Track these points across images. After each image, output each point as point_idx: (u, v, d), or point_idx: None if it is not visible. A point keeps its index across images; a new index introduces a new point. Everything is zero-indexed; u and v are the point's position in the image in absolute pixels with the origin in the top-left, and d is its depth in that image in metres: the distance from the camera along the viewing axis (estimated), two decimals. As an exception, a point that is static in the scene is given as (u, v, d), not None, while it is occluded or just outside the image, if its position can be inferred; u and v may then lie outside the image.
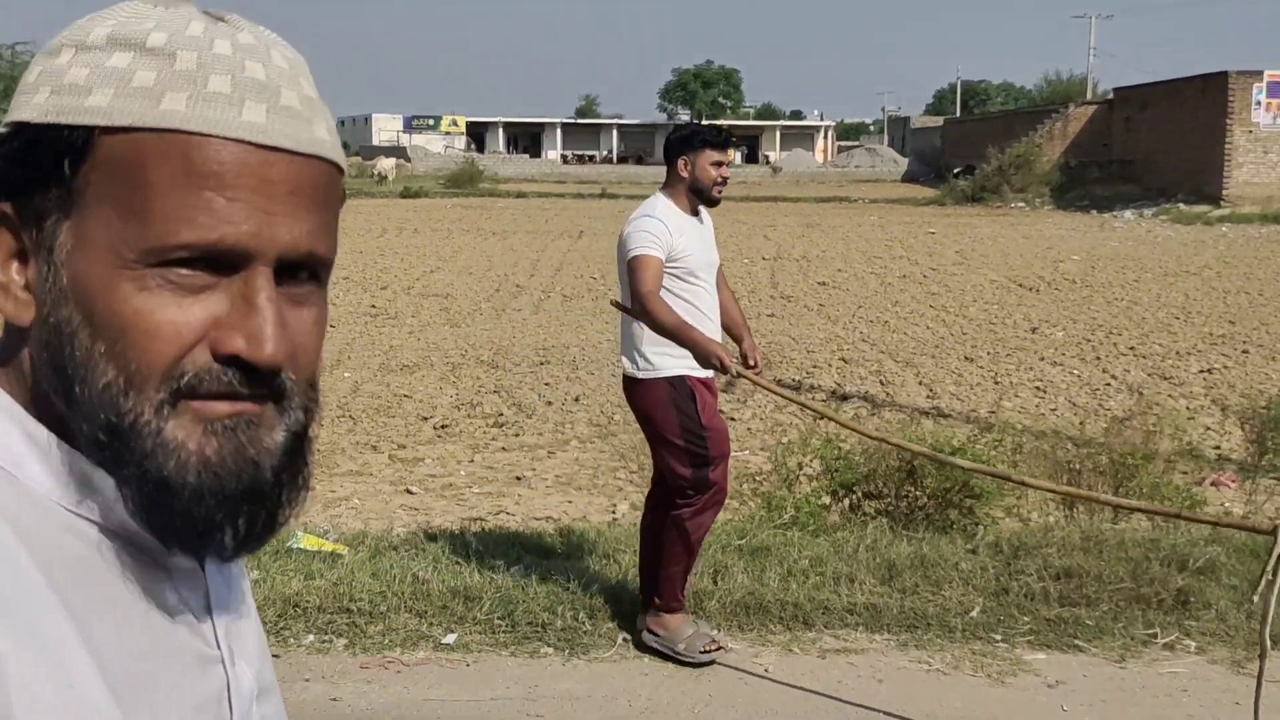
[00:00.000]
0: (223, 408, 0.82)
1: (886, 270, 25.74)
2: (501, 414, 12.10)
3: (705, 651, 4.89)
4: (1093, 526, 6.16)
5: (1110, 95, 54.69)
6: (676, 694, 4.61)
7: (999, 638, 5.17)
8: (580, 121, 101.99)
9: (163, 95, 0.80)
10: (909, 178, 70.55)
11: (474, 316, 18.79)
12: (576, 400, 12.70)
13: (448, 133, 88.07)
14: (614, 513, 7.90)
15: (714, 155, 5.06)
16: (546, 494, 9.08)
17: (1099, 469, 6.48)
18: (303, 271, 0.86)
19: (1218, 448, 9.96)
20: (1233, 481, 7.83)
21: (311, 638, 4.94)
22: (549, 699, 4.54)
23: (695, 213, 5.13)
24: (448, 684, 4.61)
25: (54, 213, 0.82)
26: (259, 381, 0.82)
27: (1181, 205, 41.40)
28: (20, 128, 0.82)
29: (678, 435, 4.94)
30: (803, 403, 6.85)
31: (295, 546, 5.83)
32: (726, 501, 7.21)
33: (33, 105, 0.82)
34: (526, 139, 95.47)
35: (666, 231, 4.92)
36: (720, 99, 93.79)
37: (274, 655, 4.69)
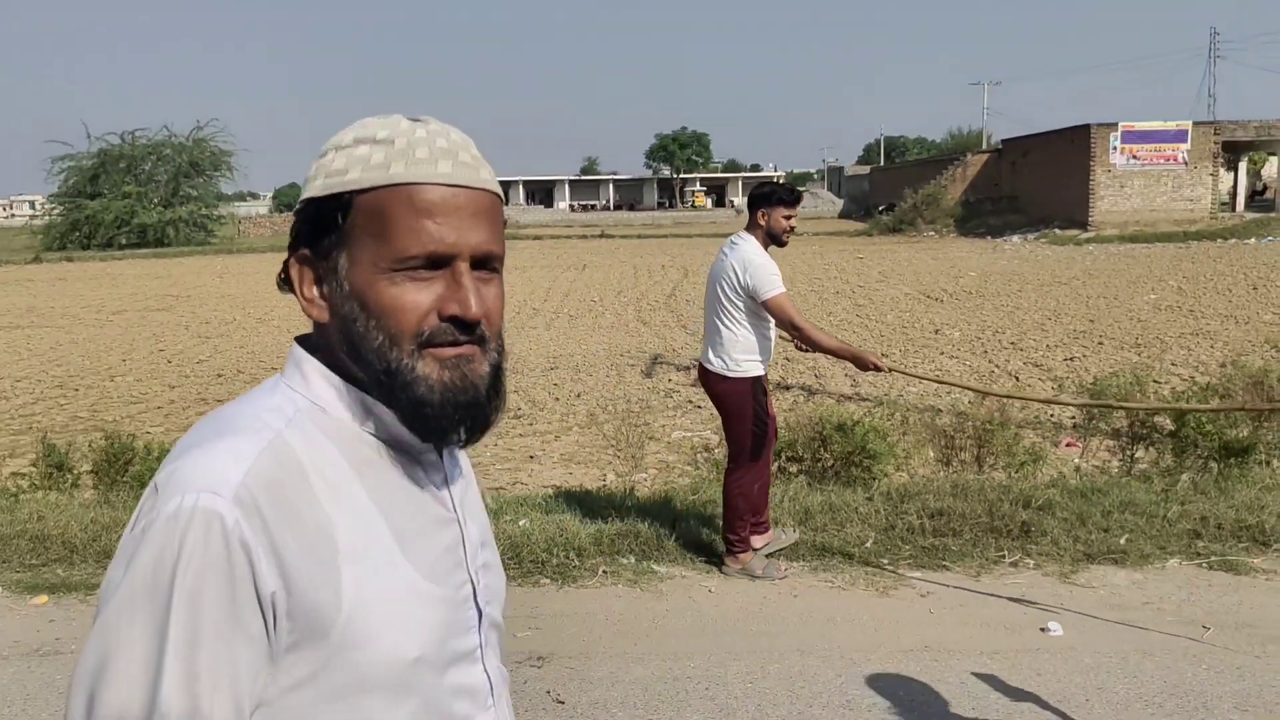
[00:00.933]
0: (449, 351, 1.07)
1: (824, 288, 25.90)
2: (519, 408, 12.30)
3: (780, 576, 5.19)
4: (961, 478, 6.36)
5: (1000, 145, 54.78)
6: (641, 609, 4.82)
7: (886, 562, 5.36)
8: (584, 178, 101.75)
9: (390, 165, 1.06)
10: (844, 215, 70.57)
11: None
12: (578, 397, 12.89)
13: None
14: (603, 480, 8.09)
15: (785, 210, 5.18)
16: (553, 468, 9.29)
17: (966, 434, 6.70)
18: (488, 264, 1.12)
19: (1073, 418, 10.19)
20: (1075, 443, 8.05)
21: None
22: (546, 616, 4.74)
23: (767, 248, 5.25)
24: (470, 608, 4.83)
25: (334, 248, 1.08)
26: (468, 331, 1.08)
27: (1057, 230, 41.54)
28: (309, 202, 1.09)
29: (751, 421, 5.18)
30: (953, 383, 7.12)
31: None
32: (684, 467, 7.47)
33: (314, 187, 1.08)
34: (542, 193, 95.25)
35: (776, 267, 5.13)
36: (693, 157, 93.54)
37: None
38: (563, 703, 3.87)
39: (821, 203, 79.13)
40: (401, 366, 1.06)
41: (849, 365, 15.09)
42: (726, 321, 5.17)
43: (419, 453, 1.13)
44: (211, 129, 56.17)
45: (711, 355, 5.25)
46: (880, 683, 4.01)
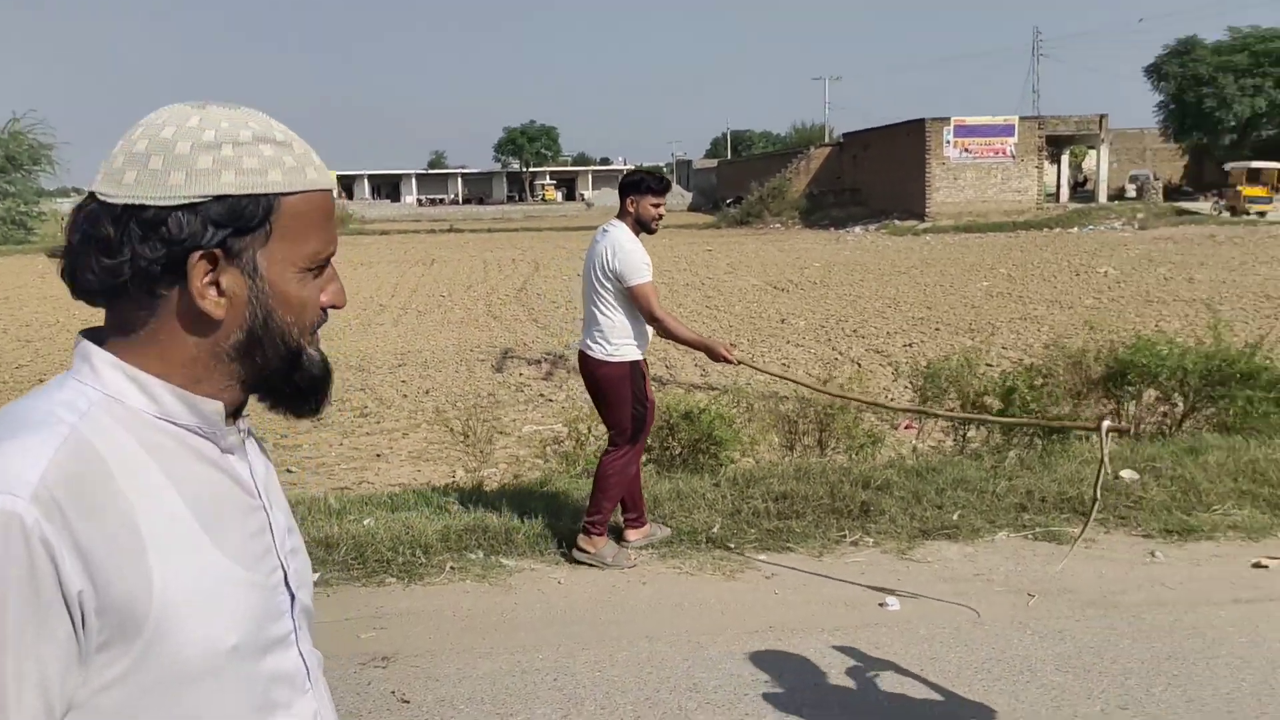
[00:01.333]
0: (317, 335, 1.17)
1: (673, 280, 26.17)
2: (366, 406, 12.04)
3: (630, 565, 5.24)
4: (804, 461, 6.53)
5: (841, 139, 56.46)
6: (490, 604, 4.78)
7: (733, 546, 5.43)
8: (432, 172, 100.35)
9: (304, 170, 1.10)
10: (693, 208, 71.54)
11: (344, 332, 18.49)
12: (427, 393, 12.71)
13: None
14: (452, 477, 8.01)
15: (654, 199, 5.27)
16: (400, 466, 9.13)
17: (809, 419, 6.89)
18: None
19: (910, 400, 10.59)
20: (912, 425, 8.37)
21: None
22: (392, 615, 4.65)
23: (638, 235, 5.33)
24: (312, 611, 4.69)
25: (252, 246, 1.08)
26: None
27: (896, 221, 43.07)
28: (222, 198, 1.05)
29: (630, 404, 5.23)
30: (793, 379, 7.07)
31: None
32: (534, 461, 7.44)
33: (223, 183, 1.04)
34: (388, 187, 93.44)
35: (647, 255, 5.22)
36: (543, 150, 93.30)
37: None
38: (408, 702, 3.81)
39: (670, 196, 80.00)
40: (307, 353, 1.14)
41: (698, 356, 15.36)
42: (602, 307, 5.23)
43: (220, 440, 1.12)
44: (29, 121, 52.96)
45: (590, 341, 5.31)
46: (726, 664, 4.08)
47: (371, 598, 4.86)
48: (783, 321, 18.33)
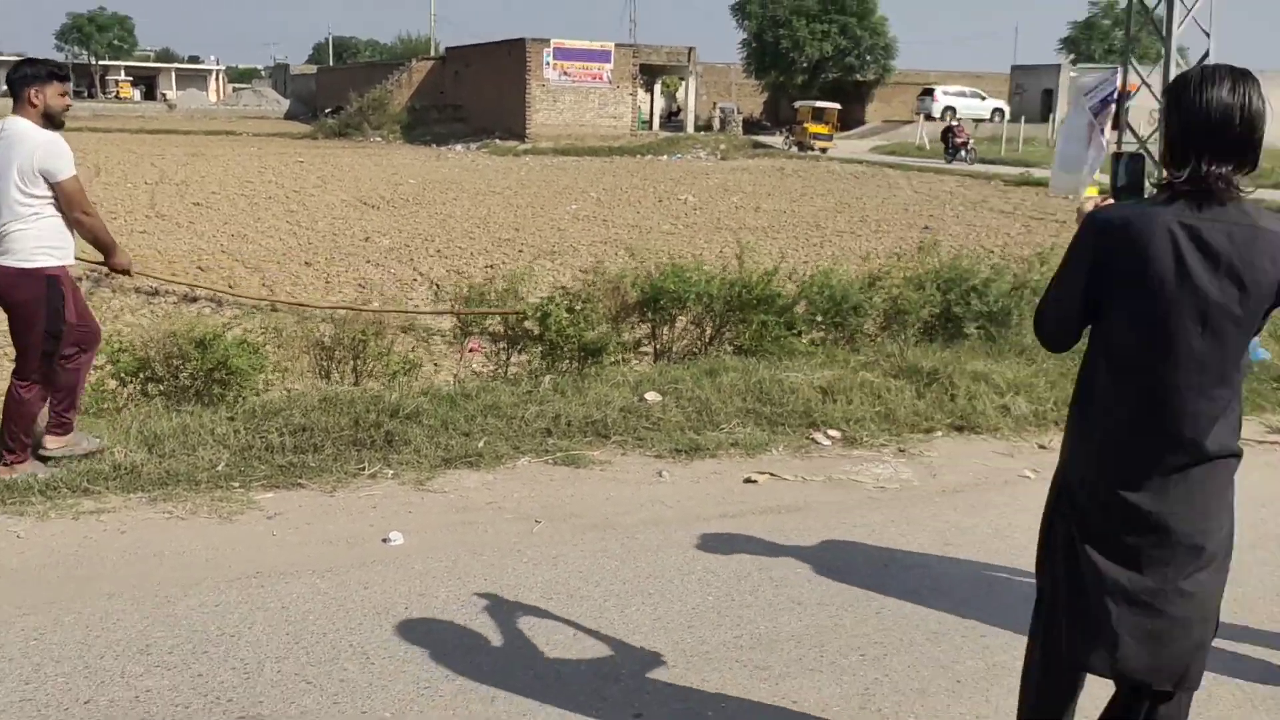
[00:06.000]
0: None
1: (256, 193, 24.62)
2: None
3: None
4: (333, 390, 6.19)
5: (445, 53, 55.39)
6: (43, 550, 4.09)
7: (237, 485, 5.01)
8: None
9: None
10: (290, 116, 67.67)
11: None
12: None
13: None
14: None
15: (59, 87, 4.84)
16: None
17: (343, 345, 6.55)
18: None
19: (454, 326, 10.47)
20: (479, 348, 8.25)
21: None
22: None
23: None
24: None
25: None
26: None
27: (498, 140, 43.14)
28: None
29: (42, 324, 4.91)
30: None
31: None
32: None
33: None
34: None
35: None
36: (117, 42, 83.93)
37: None
38: None
39: (266, 102, 75.17)
40: None
41: (266, 273, 14.46)
42: (20, 212, 4.77)
43: None
44: None
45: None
46: (192, 619, 3.73)
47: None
48: (366, 240, 17.73)
